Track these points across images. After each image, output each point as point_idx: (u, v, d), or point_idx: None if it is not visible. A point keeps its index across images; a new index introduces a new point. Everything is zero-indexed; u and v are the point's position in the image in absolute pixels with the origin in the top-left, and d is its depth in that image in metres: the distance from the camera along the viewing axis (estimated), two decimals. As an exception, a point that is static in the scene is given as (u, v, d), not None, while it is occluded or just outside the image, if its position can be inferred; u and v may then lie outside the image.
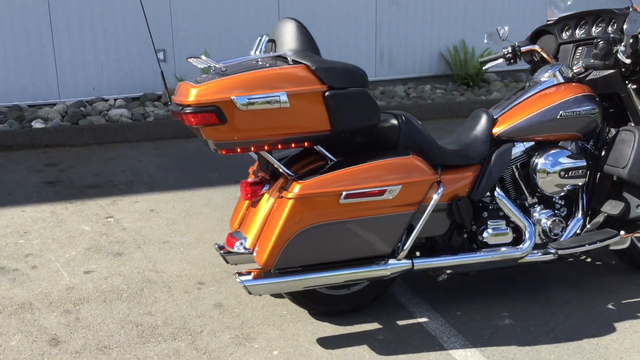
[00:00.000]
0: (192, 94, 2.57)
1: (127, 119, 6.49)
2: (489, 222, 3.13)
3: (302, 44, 2.78)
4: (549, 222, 3.17)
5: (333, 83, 2.66)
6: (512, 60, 3.50)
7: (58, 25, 7.06)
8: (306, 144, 2.75)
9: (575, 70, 3.29)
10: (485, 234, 3.11)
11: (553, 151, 3.14)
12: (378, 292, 3.15)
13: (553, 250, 3.12)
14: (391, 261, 2.89)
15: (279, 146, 2.72)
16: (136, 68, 7.44)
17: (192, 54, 7.18)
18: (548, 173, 3.11)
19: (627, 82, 3.22)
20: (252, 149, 2.70)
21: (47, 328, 3.01)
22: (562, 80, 3.26)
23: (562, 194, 3.20)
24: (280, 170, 2.82)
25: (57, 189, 4.94)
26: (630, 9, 3.20)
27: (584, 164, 3.15)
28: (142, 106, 7.00)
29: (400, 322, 3.08)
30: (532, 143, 3.17)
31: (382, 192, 2.70)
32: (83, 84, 7.28)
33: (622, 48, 3.11)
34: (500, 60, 3.56)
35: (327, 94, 2.64)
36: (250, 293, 2.76)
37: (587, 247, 3.14)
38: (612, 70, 3.19)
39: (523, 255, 3.11)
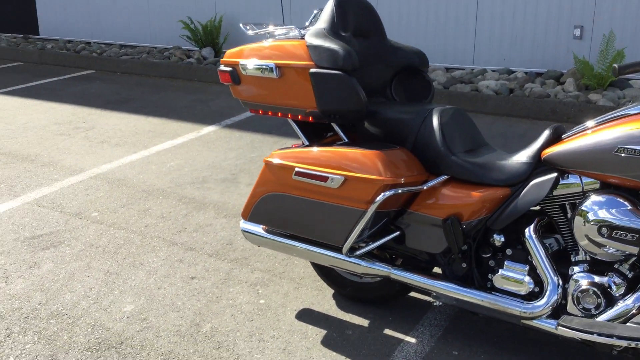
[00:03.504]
0: (224, 54, 2.99)
1: (492, 91, 6.53)
2: (506, 263, 2.52)
3: (329, 22, 2.79)
4: (579, 290, 2.33)
5: (318, 62, 2.65)
6: None
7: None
8: (310, 118, 2.81)
9: None
10: (495, 273, 2.53)
11: (606, 197, 2.26)
12: (384, 294, 2.96)
13: (554, 325, 2.33)
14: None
15: (289, 115, 2.87)
16: (550, 43, 7.21)
17: (615, 31, 6.57)
18: (586, 223, 2.28)
19: None
20: (269, 112, 2.94)
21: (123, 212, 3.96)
22: (674, 103, 2.23)
23: (606, 258, 2.29)
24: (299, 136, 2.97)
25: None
26: None
27: (639, 227, 2.16)
28: (532, 82, 6.84)
29: (387, 332, 2.84)
30: (596, 180, 2.33)
31: (325, 179, 2.59)
32: (496, 53, 7.52)
33: None
34: None
35: (311, 71, 2.67)
36: (245, 237, 3.07)
37: (595, 338, 2.19)
38: None
39: (527, 316, 2.42)
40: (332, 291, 3.16)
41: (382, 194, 2.49)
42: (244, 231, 3.03)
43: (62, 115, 6.48)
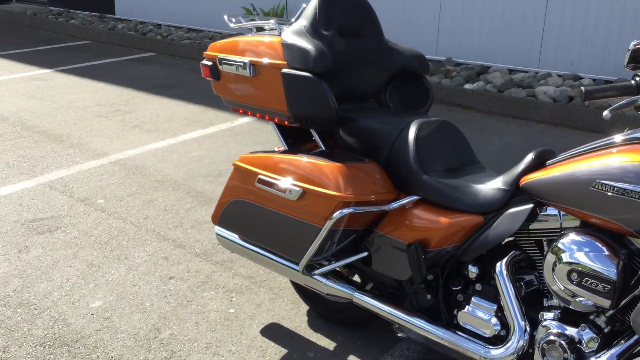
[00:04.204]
0: (208, 47, 2.83)
1: (550, 98, 6.06)
2: (473, 299, 2.25)
3: (310, 19, 2.58)
4: (544, 340, 2.03)
5: (290, 61, 2.45)
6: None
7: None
8: (286, 122, 2.62)
9: None
10: (461, 310, 2.26)
11: (583, 238, 1.95)
12: (356, 317, 2.75)
13: (514, 377, 2.04)
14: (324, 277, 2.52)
15: (266, 117, 2.69)
16: (623, 49, 6.63)
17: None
18: (556, 265, 1.97)
19: None
20: (249, 113, 2.76)
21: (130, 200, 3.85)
22: (667, 137, 1.89)
23: (577, 308, 1.98)
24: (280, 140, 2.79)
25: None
26: None
27: (612, 277, 1.84)
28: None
29: (351, 358, 2.62)
30: (576, 217, 2.02)
31: (284, 189, 2.39)
32: (563, 57, 7.01)
33: None
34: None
35: (282, 71, 2.47)
36: (219, 242, 2.91)
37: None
38: None
39: (486, 363, 2.14)
40: (307, 307, 2.96)
41: (339, 211, 2.26)
42: (218, 235, 2.86)
43: (108, 97, 6.54)
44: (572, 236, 1.96)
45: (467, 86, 6.56)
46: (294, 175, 2.39)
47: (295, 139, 2.83)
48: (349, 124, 2.51)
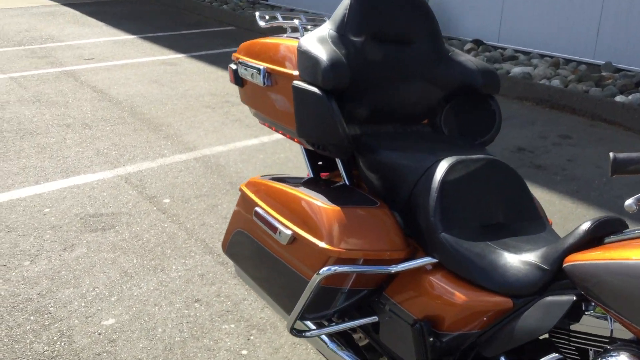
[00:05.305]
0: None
1: None
2: (491, 407, 1.67)
3: (337, 20, 2.09)
4: None
5: (302, 73, 1.99)
6: None
7: None
8: (305, 145, 2.17)
9: None
10: (474, 418, 1.70)
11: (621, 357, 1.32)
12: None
13: None
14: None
15: (287, 136, 2.27)
16: None
17: None
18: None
19: None
20: (273, 128, 2.35)
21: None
22: None
23: None
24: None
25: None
26: None
27: None
28: None
29: None
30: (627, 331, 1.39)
31: (275, 229, 1.95)
32: None
33: None
34: None
35: (293, 83, 2.02)
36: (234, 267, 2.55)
37: None
38: None
39: None
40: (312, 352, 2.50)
41: (327, 267, 1.78)
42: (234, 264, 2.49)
43: (224, 87, 6.41)
44: (620, 356, 1.34)
45: (619, 98, 5.60)
46: (289, 214, 1.94)
47: (328, 164, 2.38)
48: (368, 154, 2.00)
